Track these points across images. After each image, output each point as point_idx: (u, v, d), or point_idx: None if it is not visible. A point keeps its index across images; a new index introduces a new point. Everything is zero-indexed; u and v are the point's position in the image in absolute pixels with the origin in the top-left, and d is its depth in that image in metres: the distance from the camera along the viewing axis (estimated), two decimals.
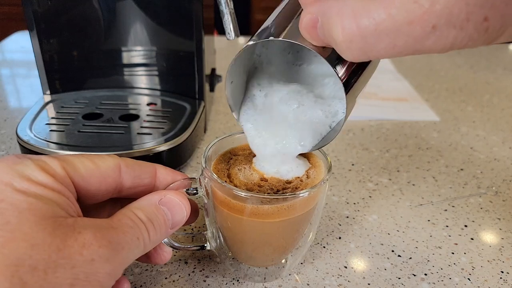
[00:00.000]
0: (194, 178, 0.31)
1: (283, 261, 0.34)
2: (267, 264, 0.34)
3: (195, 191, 0.30)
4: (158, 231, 0.26)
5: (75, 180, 0.25)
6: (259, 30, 0.27)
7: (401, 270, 0.35)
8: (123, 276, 0.28)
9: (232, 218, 0.30)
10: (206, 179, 0.30)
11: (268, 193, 0.29)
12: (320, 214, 0.33)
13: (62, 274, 0.20)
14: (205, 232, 0.34)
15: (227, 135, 0.34)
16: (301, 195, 0.28)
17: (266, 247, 0.32)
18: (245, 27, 2.13)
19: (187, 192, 0.30)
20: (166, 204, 0.27)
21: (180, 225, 0.28)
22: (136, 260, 0.29)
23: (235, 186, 0.29)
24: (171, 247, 0.32)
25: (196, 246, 0.34)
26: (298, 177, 0.30)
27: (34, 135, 0.44)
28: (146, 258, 0.30)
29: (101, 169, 0.26)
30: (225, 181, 0.29)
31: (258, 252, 0.33)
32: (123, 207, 0.26)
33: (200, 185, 0.30)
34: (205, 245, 0.34)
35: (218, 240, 0.33)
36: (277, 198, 0.28)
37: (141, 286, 0.33)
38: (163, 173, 0.30)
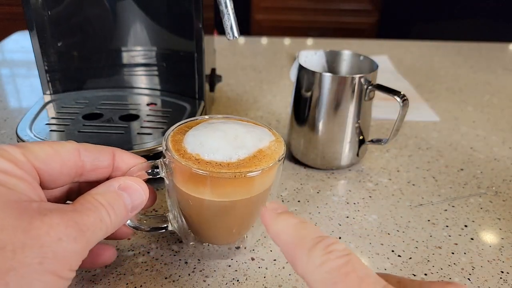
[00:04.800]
0: (155, 160, 0.31)
1: (245, 237, 0.36)
2: (227, 241, 0.35)
3: (156, 173, 0.31)
4: (118, 215, 0.27)
5: (36, 165, 0.26)
6: None
7: (401, 270, 0.35)
8: (107, 245, 0.30)
9: (192, 198, 0.31)
10: (167, 160, 0.30)
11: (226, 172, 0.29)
12: (275, 192, 0.34)
13: (30, 253, 0.21)
14: (167, 214, 0.35)
15: (191, 119, 0.35)
16: (257, 171, 0.29)
17: (225, 226, 0.33)
18: (245, 27, 2.13)
19: (148, 174, 0.31)
20: (125, 189, 0.28)
21: (140, 208, 0.29)
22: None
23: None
24: (135, 228, 0.33)
25: (158, 227, 0.34)
26: (261, 149, 0.31)
27: (34, 135, 0.44)
28: (112, 235, 0.31)
29: (60, 153, 0.27)
30: (183, 158, 0.30)
31: (218, 231, 0.34)
32: (84, 194, 0.27)
33: (161, 167, 0.31)
34: (167, 225, 0.35)
35: (179, 221, 0.34)
36: (235, 175, 0.28)
37: (141, 286, 0.33)
38: (123, 156, 0.31)
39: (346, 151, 0.48)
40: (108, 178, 0.30)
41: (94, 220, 0.24)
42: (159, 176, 0.31)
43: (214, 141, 0.30)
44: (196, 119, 0.35)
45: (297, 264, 0.23)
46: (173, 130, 0.33)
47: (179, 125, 0.34)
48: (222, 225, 0.33)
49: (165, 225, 0.35)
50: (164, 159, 0.31)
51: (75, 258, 0.23)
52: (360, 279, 0.20)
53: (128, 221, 0.32)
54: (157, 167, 0.31)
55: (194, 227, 0.34)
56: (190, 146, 0.31)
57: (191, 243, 0.36)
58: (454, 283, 0.22)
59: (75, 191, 0.32)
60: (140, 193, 0.29)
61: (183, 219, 0.34)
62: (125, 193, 0.28)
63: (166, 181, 0.32)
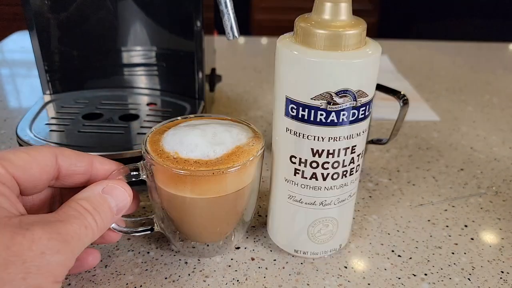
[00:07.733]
0: (135, 164, 0.32)
1: (231, 236, 0.36)
2: (212, 239, 0.36)
3: (137, 175, 0.32)
4: (104, 219, 0.27)
5: (15, 175, 0.26)
6: None
7: (401, 270, 0.35)
8: (90, 249, 0.30)
9: (174, 197, 0.31)
10: (147, 162, 0.31)
11: (204, 169, 0.29)
12: (258, 189, 0.35)
13: (13, 270, 0.21)
14: (153, 215, 0.35)
15: (170, 120, 0.36)
16: (235, 168, 0.30)
17: (209, 223, 0.34)
18: (245, 27, 2.13)
19: (130, 177, 0.31)
20: (109, 192, 0.28)
21: (125, 210, 0.29)
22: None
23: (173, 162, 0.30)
24: (121, 232, 0.32)
25: (145, 229, 0.34)
26: (239, 146, 0.32)
27: (34, 135, 0.44)
28: (100, 239, 0.31)
29: (38, 159, 0.27)
30: (161, 158, 0.30)
31: (202, 228, 0.34)
32: (68, 200, 0.26)
33: (142, 169, 0.32)
34: (153, 227, 0.35)
35: (165, 221, 0.34)
36: (214, 172, 0.29)
37: (141, 286, 0.33)
38: (102, 162, 0.31)
39: None
40: (85, 186, 0.30)
41: (78, 228, 0.24)
42: (140, 178, 0.32)
43: (193, 138, 0.31)
44: (176, 119, 0.36)
45: None
46: (151, 131, 0.34)
47: (159, 126, 0.35)
48: (206, 223, 0.34)
49: (151, 226, 0.34)
50: (144, 162, 0.31)
51: (59, 270, 0.23)
52: None
53: (113, 224, 0.32)
54: (138, 170, 0.32)
55: (179, 226, 0.34)
56: (168, 144, 0.31)
57: (180, 242, 0.36)
58: None
59: (57, 199, 0.31)
60: (124, 195, 0.29)
61: (168, 219, 0.34)
62: (110, 196, 0.28)
63: (148, 183, 0.32)
